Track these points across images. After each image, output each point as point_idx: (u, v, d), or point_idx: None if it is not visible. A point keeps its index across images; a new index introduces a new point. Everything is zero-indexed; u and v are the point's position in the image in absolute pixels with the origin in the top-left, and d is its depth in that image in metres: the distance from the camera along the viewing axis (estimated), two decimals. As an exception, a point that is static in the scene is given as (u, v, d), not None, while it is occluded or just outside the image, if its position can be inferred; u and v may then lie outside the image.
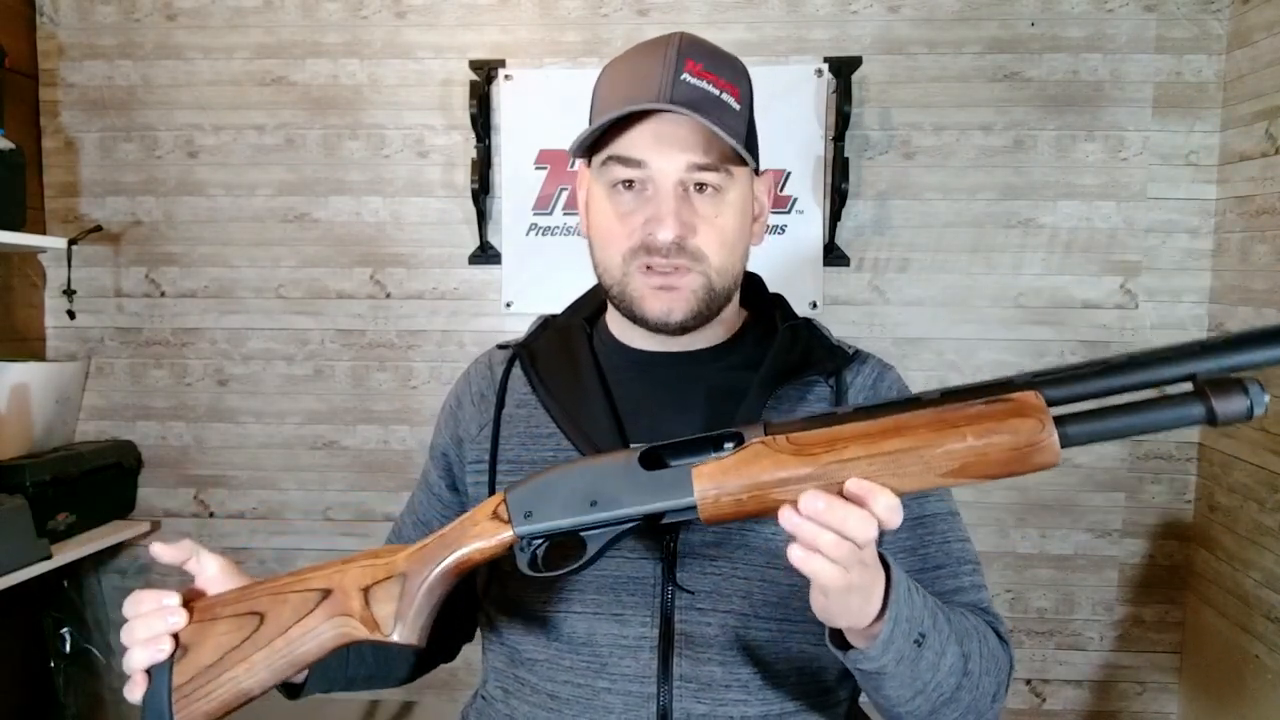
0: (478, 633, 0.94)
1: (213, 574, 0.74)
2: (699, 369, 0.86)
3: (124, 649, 0.69)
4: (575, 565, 0.67)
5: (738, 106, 0.79)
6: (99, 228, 2.17)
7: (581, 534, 0.67)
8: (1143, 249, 2.06)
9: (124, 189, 2.21)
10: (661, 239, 0.77)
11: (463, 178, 2.13)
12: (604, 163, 0.81)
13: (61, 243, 2.04)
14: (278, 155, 2.18)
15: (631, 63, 0.81)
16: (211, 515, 2.26)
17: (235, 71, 2.17)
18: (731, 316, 0.89)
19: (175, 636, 0.69)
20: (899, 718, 0.72)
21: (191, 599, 0.72)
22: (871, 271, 2.11)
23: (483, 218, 2.12)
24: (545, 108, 2.08)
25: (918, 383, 0.91)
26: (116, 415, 2.25)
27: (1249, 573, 1.87)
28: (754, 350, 0.88)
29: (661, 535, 0.78)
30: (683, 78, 0.76)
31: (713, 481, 0.62)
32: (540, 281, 2.13)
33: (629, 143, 0.79)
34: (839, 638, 0.68)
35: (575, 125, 0.80)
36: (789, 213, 2.07)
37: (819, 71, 2.04)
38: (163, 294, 2.22)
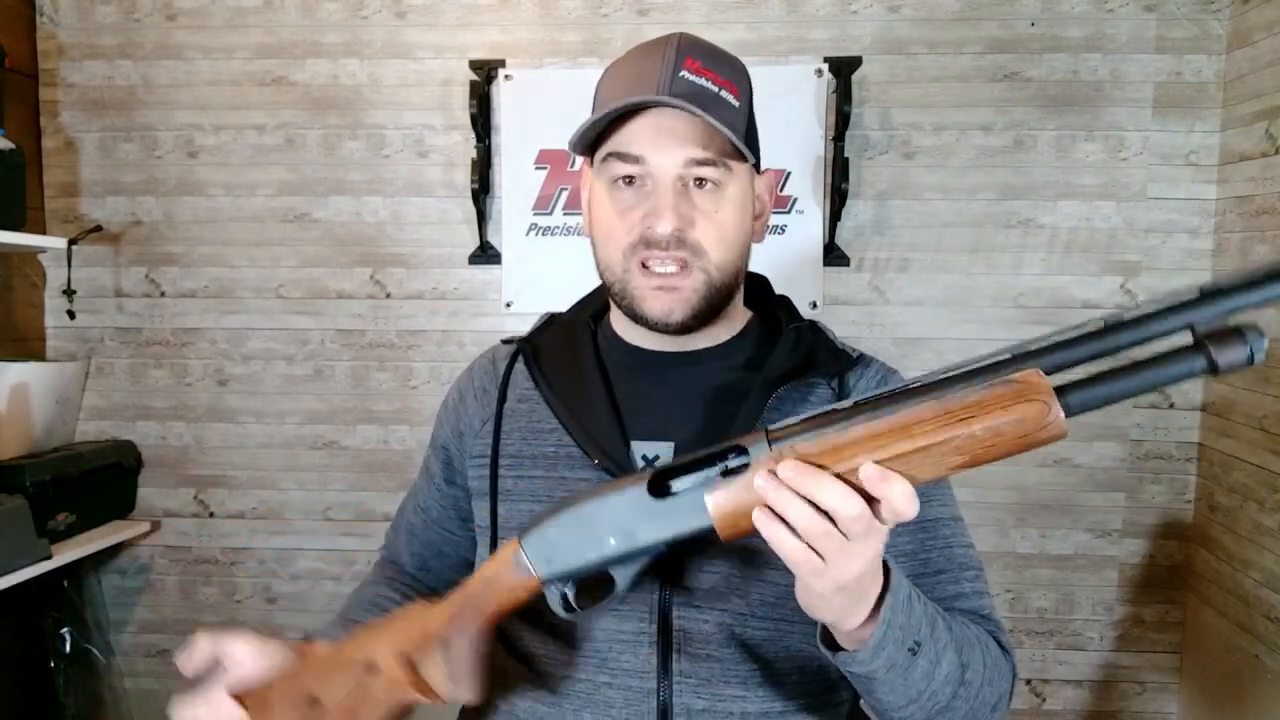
0: None
1: (243, 656, 0.74)
2: (701, 368, 0.86)
3: None
4: (608, 599, 0.67)
5: (736, 103, 0.80)
6: (99, 228, 2.17)
7: (608, 569, 0.67)
8: (1143, 249, 2.06)
9: (124, 189, 2.21)
10: (660, 232, 0.78)
11: (463, 178, 2.13)
12: (604, 160, 0.82)
13: (61, 243, 2.04)
14: (278, 155, 2.18)
15: (631, 61, 0.82)
16: (211, 515, 2.26)
17: (235, 71, 2.17)
18: (735, 316, 0.90)
19: None
20: None
21: (239, 694, 0.72)
22: (871, 271, 2.11)
23: (483, 218, 2.12)
24: (545, 108, 2.08)
25: (918, 383, 0.91)
26: (116, 415, 2.25)
27: (1249, 573, 1.87)
28: (757, 351, 0.88)
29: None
30: (681, 74, 0.77)
31: (728, 504, 0.61)
32: (540, 281, 2.13)
33: (628, 138, 0.79)
34: (830, 637, 0.67)
35: (575, 125, 0.80)
36: (789, 213, 2.07)
37: (819, 71, 2.04)
38: (163, 294, 2.22)
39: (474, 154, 2.09)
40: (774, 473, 0.59)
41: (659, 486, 0.65)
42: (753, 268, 0.92)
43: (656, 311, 0.81)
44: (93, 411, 2.26)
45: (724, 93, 0.78)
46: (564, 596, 0.69)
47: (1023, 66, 2.05)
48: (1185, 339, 0.55)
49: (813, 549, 0.58)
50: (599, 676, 0.78)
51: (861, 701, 0.84)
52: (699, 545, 0.65)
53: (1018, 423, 0.55)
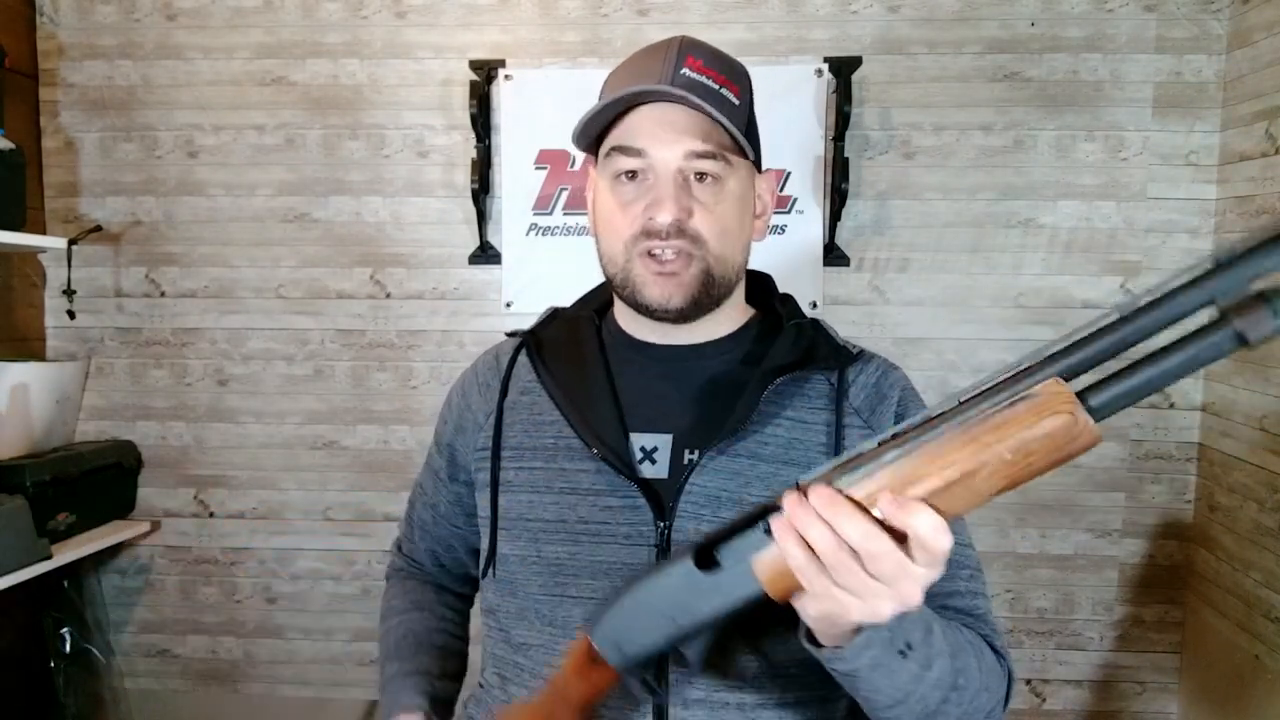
0: (478, 627, 0.95)
1: None
2: (702, 361, 0.88)
3: None
4: (685, 675, 0.69)
5: (737, 102, 0.81)
6: (99, 228, 2.17)
7: (678, 647, 0.68)
8: (1143, 249, 2.06)
9: (124, 189, 2.21)
10: (660, 221, 0.79)
11: (463, 178, 2.13)
12: (607, 155, 0.83)
13: (61, 243, 2.04)
14: (278, 155, 2.18)
15: (634, 61, 0.84)
16: (211, 515, 2.26)
17: (235, 71, 2.17)
18: (736, 311, 0.91)
19: None
20: None
21: None
22: (871, 271, 2.11)
23: (483, 218, 2.12)
24: (545, 108, 2.08)
25: (918, 383, 0.91)
26: (116, 415, 2.25)
27: (1249, 573, 1.87)
28: (757, 345, 0.89)
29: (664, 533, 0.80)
30: (683, 71, 0.79)
31: (773, 570, 0.61)
32: (540, 281, 2.13)
33: (630, 131, 0.81)
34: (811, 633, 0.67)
35: (576, 125, 0.81)
36: (789, 213, 2.07)
37: (819, 71, 2.04)
38: (163, 294, 2.22)
39: (474, 154, 2.09)
40: (804, 497, 0.58)
41: (706, 559, 0.65)
42: (753, 267, 0.93)
43: (656, 297, 0.82)
44: (93, 411, 2.26)
45: (725, 90, 0.80)
46: (643, 680, 0.70)
47: (1023, 66, 2.05)
48: (1208, 316, 0.52)
49: (836, 583, 0.57)
50: None
51: None
52: (757, 618, 0.65)
53: (1046, 438, 0.53)
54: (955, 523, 0.83)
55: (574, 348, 0.90)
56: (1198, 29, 2.01)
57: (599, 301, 0.96)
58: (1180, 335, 0.53)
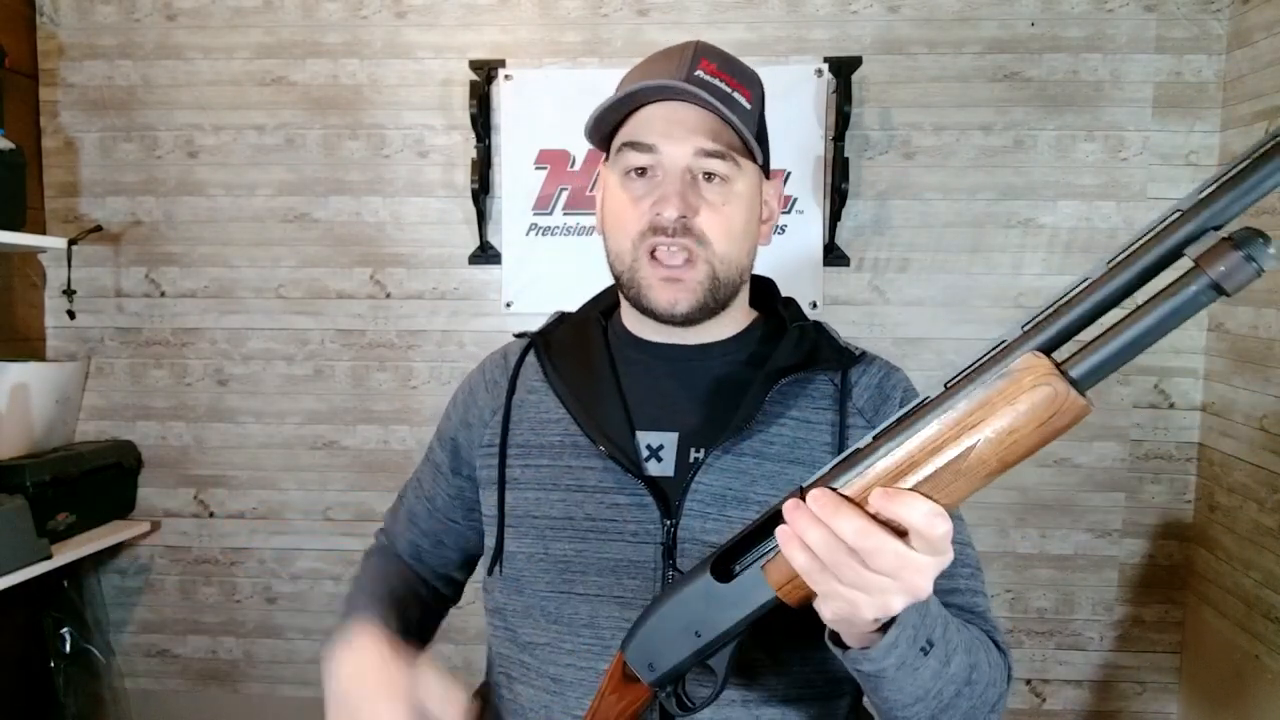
0: (479, 627, 0.95)
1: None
2: (707, 362, 0.88)
3: None
4: (714, 691, 0.70)
5: (748, 106, 0.82)
6: (99, 228, 2.17)
7: (705, 660, 0.69)
8: (1143, 249, 2.06)
9: (124, 189, 2.21)
10: (666, 216, 0.80)
11: (463, 178, 2.13)
12: (619, 151, 0.84)
13: (61, 243, 2.04)
14: (278, 155, 2.18)
15: (650, 61, 0.85)
16: (211, 515, 2.26)
17: (235, 71, 2.17)
18: (740, 313, 0.91)
19: None
20: None
21: None
22: (871, 271, 2.11)
23: (483, 218, 2.12)
24: (545, 108, 2.08)
25: (918, 383, 0.91)
26: (116, 415, 2.25)
27: (1249, 573, 1.87)
28: (761, 346, 0.90)
29: (667, 518, 0.81)
30: (696, 73, 0.80)
31: (782, 574, 0.62)
32: (540, 281, 2.13)
33: (642, 127, 0.82)
34: (838, 634, 0.67)
35: (575, 125, 0.82)
36: (789, 213, 2.07)
37: (819, 71, 2.04)
38: (163, 294, 2.22)
39: (474, 154, 2.09)
40: (804, 500, 0.58)
41: (722, 570, 0.66)
42: (753, 267, 0.93)
43: (662, 302, 0.83)
44: (93, 411, 2.26)
45: (736, 94, 0.81)
46: (677, 696, 0.71)
47: (1023, 66, 2.05)
48: (1184, 267, 0.49)
49: (842, 582, 0.57)
50: (600, 664, 0.78)
51: (865, 699, 0.84)
52: (779, 617, 0.66)
53: (1030, 413, 0.52)
54: (955, 522, 0.84)
55: (581, 348, 0.91)
56: (1198, 29, 2.01)
57: (606, 303, 0.97)
58: (1153, 295, 0.51)
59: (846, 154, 2.02)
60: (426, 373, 2.20)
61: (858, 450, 0.59)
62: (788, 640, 0.78)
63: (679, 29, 2.05)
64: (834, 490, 0.58)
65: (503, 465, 0.87)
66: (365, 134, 2.16)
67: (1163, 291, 0.50)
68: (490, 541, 0.87)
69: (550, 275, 2.11)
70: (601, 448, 0.82)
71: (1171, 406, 2.09)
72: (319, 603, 2.26)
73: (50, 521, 1.97)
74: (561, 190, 2.10)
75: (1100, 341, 0.52)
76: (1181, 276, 0.49)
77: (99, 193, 2.21)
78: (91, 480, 2.10)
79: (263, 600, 2.27)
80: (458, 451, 0.94)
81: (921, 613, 0.64)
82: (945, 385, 0.57)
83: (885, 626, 0.62)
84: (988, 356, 0.55)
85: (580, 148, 2.07)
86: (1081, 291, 0.53)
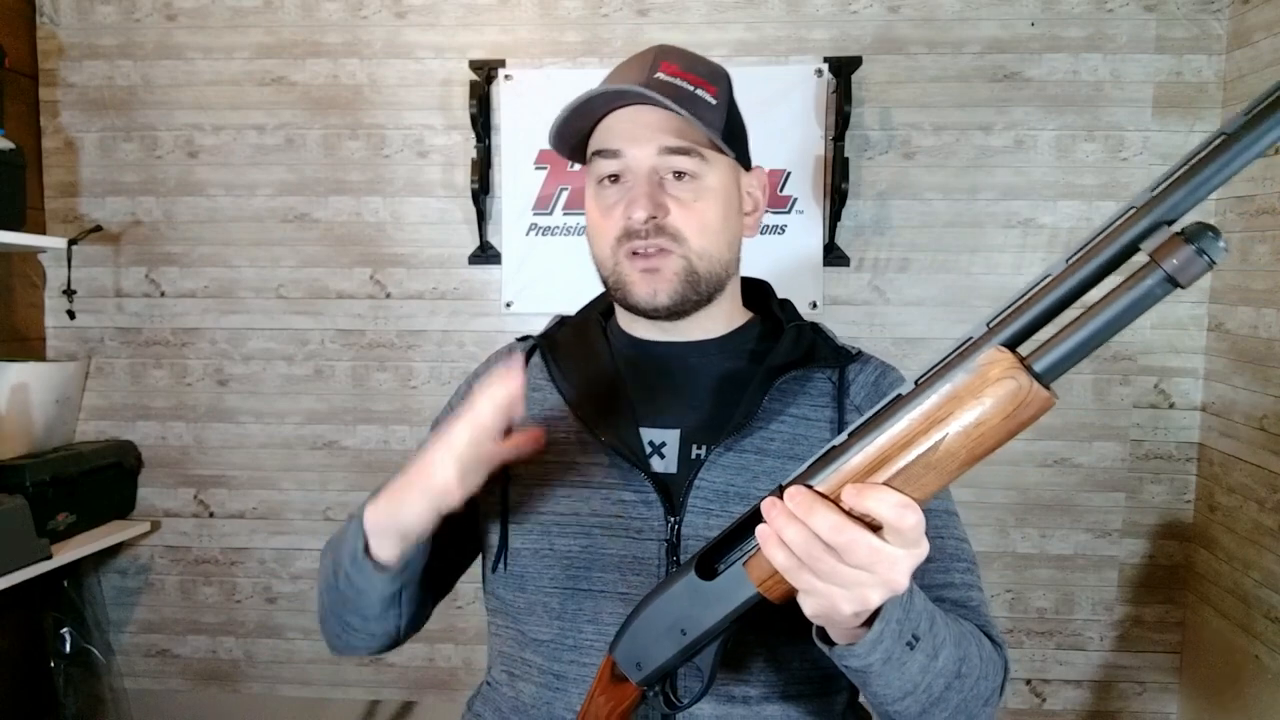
0: (480, 627, 0.95)
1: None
2: (705, 358, 0.90)
3: None
4: (702, 689, 0.70)
5: (714, 102, 0.83)
6: (99, 228, 2.17)
7: (692, 658, 0.70)
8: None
9: (124, 189, 2.21)
10: (636, 219, 0.81)
11: (463, 178, 2.13)
12: (590, 160, 0.86)
13: (61, 243, 2.04)
14: (278, 155, 2.18)
15: (615, 71, 0.87)
16: (211, 515, 2.26)
17: (235, 71, 2.17)
18: (734, 311, 0.93)
19: None
20: (889, 716, 0.73)
21: None
22: (871, 271, 2.11)
23: (483, 218, 2.12)
24: (545, 108, 2.06)
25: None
26: (116, 415, 2.25)
27: (1249, 573, 1.87)
28: (759, 344, 0.92)
29: (670, 513, 0.81)
30: (657, 75, 0.81)
31: (763, 571, 0.63)
32: (540, 281, 2.13)
33: (607, 135, 0.84)
34: (824, 630, 0.68)
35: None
36: (789, 213, 2.07)
37: (819, 71, 2.04)
38: (163, 294, 2.22)
39: (474, 154, 2.09)
40: (780, 499, 0.59)
41: (705, 568, 0.67)
42: (753, 267, 0.95)
43: (643, 295, 0.84)
44: (93, 411, 2.26)
45: (700, 91, 0.82)
46: (665, 695, 0.72)
47: (1023, 66, 2.05)
48: (1140, 262, 0.52)
49: (819, 577, 0.58)
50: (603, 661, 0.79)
51: (861, 694, 0.84)
52: (762, 613, 0.66)
53: (995, 407, 0.53)
54: (949, 518, 0.85)
55: (583, 347, 0.92)
56: (1198, 29, 2.01)
57: (604, 306, 0.98)
58: (1111, 289, 0.53)
59: (846, 154, 2.02)
60: (426, 373, 2.20)
61: (833, 448, 0.60)
62: (785, 637, 0.79)
63: (679, 29, 2.05)
64: (810, 488, 0.59)
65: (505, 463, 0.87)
66: (365, 134, 2.16)
67: (1120, 286, 0.52)
68: (493, 539, 0.88)
69: (550, 275, 2.11)
70: (607, 443, 0.82)
71: (1171, 406, 2.09)
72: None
73: (50, 521, 1.97)
74: (561, 190, 2.10)
75: (1062, 336, 0.54)
76: (1138, 271, 0.52)
77: (99, 193, 2.21)
78: (91, 480, 2.10)
79: (263, 600, 2.27)
80: None
81: (905, 608, 0.65)
82: (915, 382, 0.58)
83: (870, 622, 0.63)
84: (955, 353, 0.57)
85: (580, 148, 2.07)
86: (1043, 288, 0.55)
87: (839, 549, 0.56)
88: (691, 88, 0.81)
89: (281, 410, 2.23)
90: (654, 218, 0.81)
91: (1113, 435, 2.10)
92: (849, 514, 0.57)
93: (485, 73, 2.08)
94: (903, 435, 0.56)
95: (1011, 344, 0.55)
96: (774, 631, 0.79)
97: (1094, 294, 0.55)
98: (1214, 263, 0.49)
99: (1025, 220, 2.08)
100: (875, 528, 0.56)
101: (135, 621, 2.30)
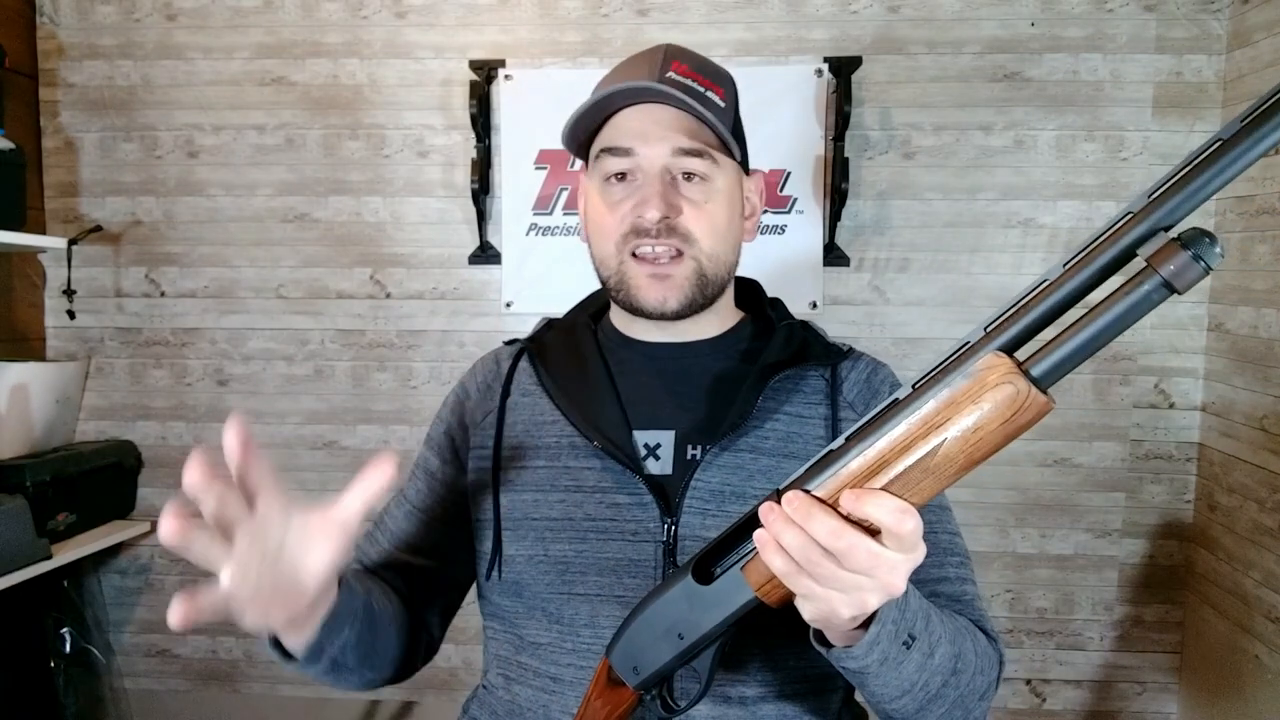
0: (479, 627, 0.95)
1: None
2: (699, 359, 0.89)
3: None
4: (699, 693, 0.70)
5: (722, 104, 0.83)
6: (99, 228, 2.17)
7: (689, 662, 0.70)
8: (1143, 249, 2.06)
9: (124, 189, 2.21)
10: (649, 218, 0.80)
11: (463, 178, 2.13)
12: (597, 157, 0.85)
13: (61, 243, 2.04)
14: (278, 155, 2.18)
15: (622, 67, 0.86)
16: (211, 515, 2.25)
17: (235, 71, 2.17)
18: (727, 311, 0.93)
19: None
20: (886, 714, 0.73)
21: None
22: (871, 271, 2.11)
23: (483, 218, 2.12)
24: (545, 108, 2.08)
25: (918, 383, 0.91)
26: (116, 415, 2.25)
27: (1249, 573, 1.87)
28: (751, 343, 0.91)
29: (668, 513, 0.80)
30: (669, 74, 0.80)
31: (761, 575, 0.63)
32: (540, 281, 2.13)
33: (618, 132, 0.83)
34: (821, 632, 0.68)
35: (584, 123, 0.81)
36: (789, 213, 2.07)
37: (819, 71, 2.04)
38: (163, 294, 2.22)
39: (474, 154, 2.09)
40: (779, 504, 0.59)
41: (703, 572, 0.67)
42: (753, 267, 0.95)
43: (652, 300, 0.83)
44: (93, 411, 2.26)
45: (710, 93, 0.81)
46: (661, 699, 0.72)
47: (1023, 66, 2.05)
48: (1137, 267, 0.52)
49: (818, 582, 0.58)
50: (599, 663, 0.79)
51: (857, 693, 0.84)
52: (759, 617, 0.66)
53: (993, 412, 0.53)
54: (942, 513, 0.85)
55: (573, 350, 0.91)
56: (1198, 29, 2.01)
57: (594, 307, 0.97)
58: (1109, 294, 0.53)
59: (846, 154, 2.02)
60: (426, 373, 2.20)
61: (831, 452, 0.60)
62: (781, 638, 0.79)
63: (679, 29, 2.05)
64: (807, 492, 0.58)
65: (496, 468, 0.87)
66: (365, 134, 2.16)
67: (1117, 291, 0.53)
68: (486, 546, 0.87)
69: (550, 275, 2.11)
70: (600, 447, 0.82)
71: (1171, 406, 2.09)
72: (319, 603, 2.25)
73: (50, 521, 1.97)
74: (561, 190, 2.10)
75: (1059, 340, 0.54)
76: (1134, 276, 0.52)
77: (99, 193, 2.21)
78: (91, 480, 2.10)
79: (263, 600, 2.26)
80: (455, 448, 0.94)
81: (901, 608, 0.65)
82: (913, 386, 0.58)
83: (867, 623, 0.63)
84: (953, 357, 0.57)
85: (580, 148, 2.07)
86: (1040, 292, 0.55)
87: (838, 554, 0.56)
88: (702, 88, 0.81)
89: (281, 410, 2.23)
90: (666, 218, 0.81)
91: (1113, 435, 2.10)
92: (847, 519, 0.57)
93: (485, 73, 2.08)
94: (901, 440, 0.56)
95: (1009, 348, 0.55)
96: (770, 633, 0.78)
97: (1091, 298, 0.55)
98: (1210, 268, 0.49)
99: (1025, 220, 2.08)
100: (873, 532, 0.56)
101: (135, 621, 2.30)
